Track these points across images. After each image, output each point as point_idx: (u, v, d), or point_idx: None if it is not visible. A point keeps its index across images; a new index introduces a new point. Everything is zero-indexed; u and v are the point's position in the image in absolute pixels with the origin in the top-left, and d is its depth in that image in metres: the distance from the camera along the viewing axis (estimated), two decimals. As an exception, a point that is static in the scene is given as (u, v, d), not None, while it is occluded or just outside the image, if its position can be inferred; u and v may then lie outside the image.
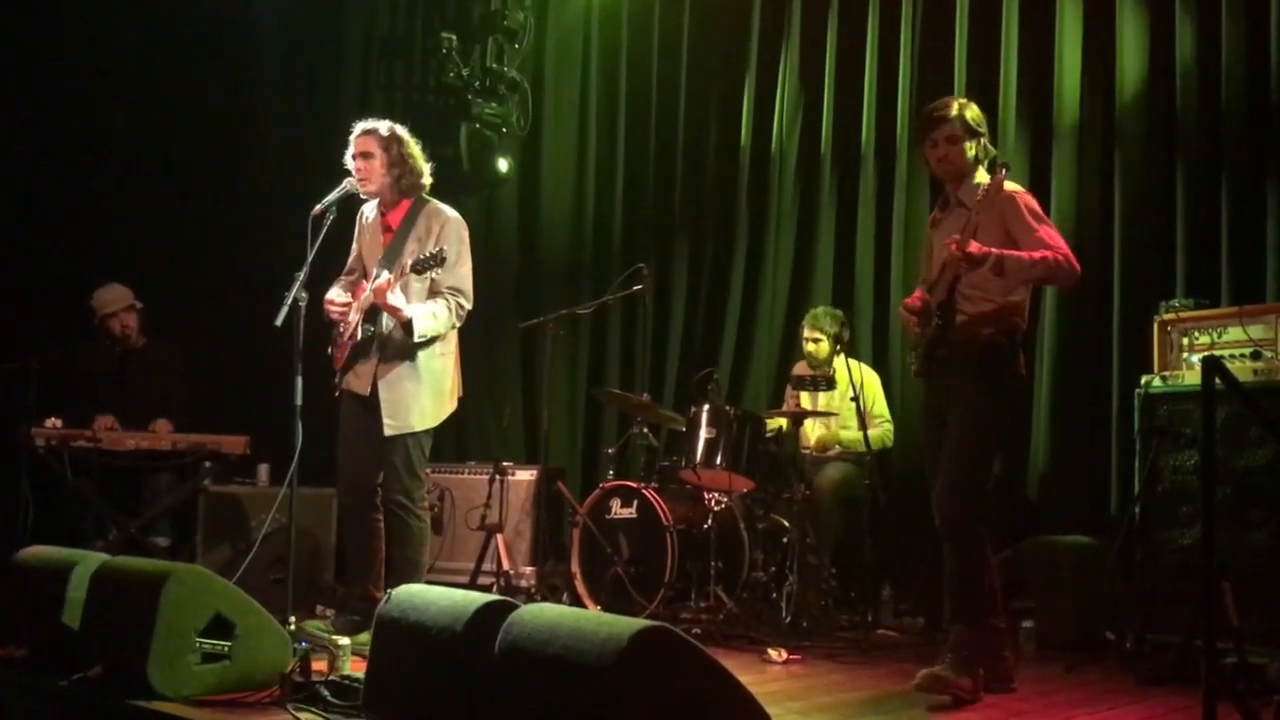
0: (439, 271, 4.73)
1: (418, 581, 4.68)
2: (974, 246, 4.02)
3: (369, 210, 5.09)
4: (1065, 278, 4.21)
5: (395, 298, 4.70)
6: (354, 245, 5.14)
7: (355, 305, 4.89)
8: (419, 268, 4.68)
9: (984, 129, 4.36)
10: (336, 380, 5.00)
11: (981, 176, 4.34)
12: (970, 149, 4.31)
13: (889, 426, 6.19)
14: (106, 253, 7.33)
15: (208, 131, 7.87)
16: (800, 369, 6.22)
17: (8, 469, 5.98)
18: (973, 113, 4.33)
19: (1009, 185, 4.26)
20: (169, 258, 7.56)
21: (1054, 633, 5.23)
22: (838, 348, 5.99)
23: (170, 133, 7.75)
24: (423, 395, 4.87)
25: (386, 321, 4.84)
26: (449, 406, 5.01)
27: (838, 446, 6.13)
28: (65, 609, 3.95)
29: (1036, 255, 4.09)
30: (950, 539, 4.17)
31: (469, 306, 4.95)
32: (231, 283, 7.60)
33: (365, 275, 5.00)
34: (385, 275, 4.73)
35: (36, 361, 6.02)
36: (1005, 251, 4.07)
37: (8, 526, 5.77)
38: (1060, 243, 4.17)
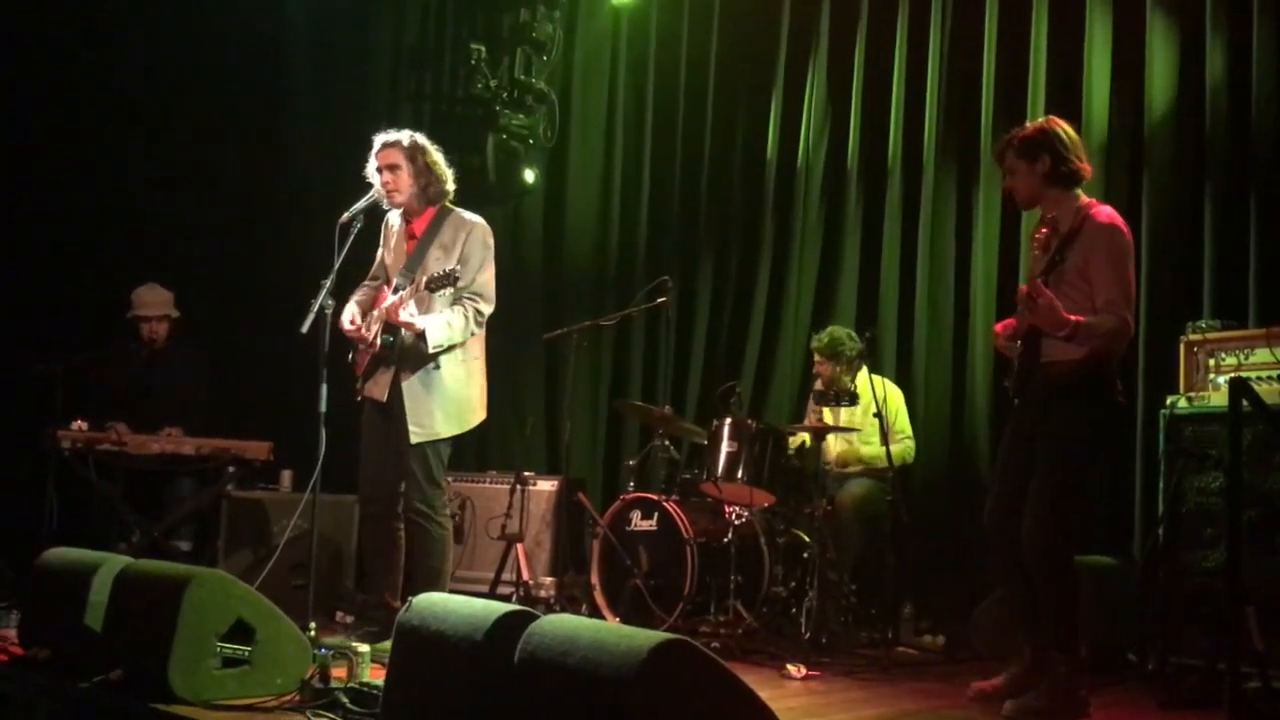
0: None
1: (441, 589, 4.71)
2: (1057, 313, 3.99)
3: (394, 218, 5.12)
4: (1120, 344, 4.17)
5: (405, 313, 4.73)
6: (380, 251, 5.17)
7: (374, 314, 4.91)
8: (432, 286, 4.70)
9: (1054, 146, 4.20)
10: (358, 385, 5.03)
11: (1073, 196, 4.25)
12: (1032, 173, 4.24)
13: (910, 443, 6.17)
14: (136, 258, 7.39)
15: (239, 140, 7.94)
16: (821, 384, 6.22)
17: (34, 471, 6.03)
18: (1033, 135, 4.24)
19: (1107, 213, 4.20)
20: (198, 264, 7.62)
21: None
22: (844, 366, 5.99)
23: (202, 141, 7.81)
24: (446, 402, 4.89)
25: (405, 330, 4.86)
26: (475, 415, 5.02)
27: (859, 463, 6.11)
28: (88, 612, 3.97)
29: (1108, 325, 4.05)
30: (1045, 570, 4.12)
31: (488, 311, 4.97)
32: (259, 289, 7.66)
33: (388, 282, 5.04)
34: (399, 294, 4.76)
35: (63, 365, 6.07)
36: (1081, 321, 4.03)
37: (33, 529, 5.81)
38: (1126, 301, 4.09)
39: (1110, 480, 5.77)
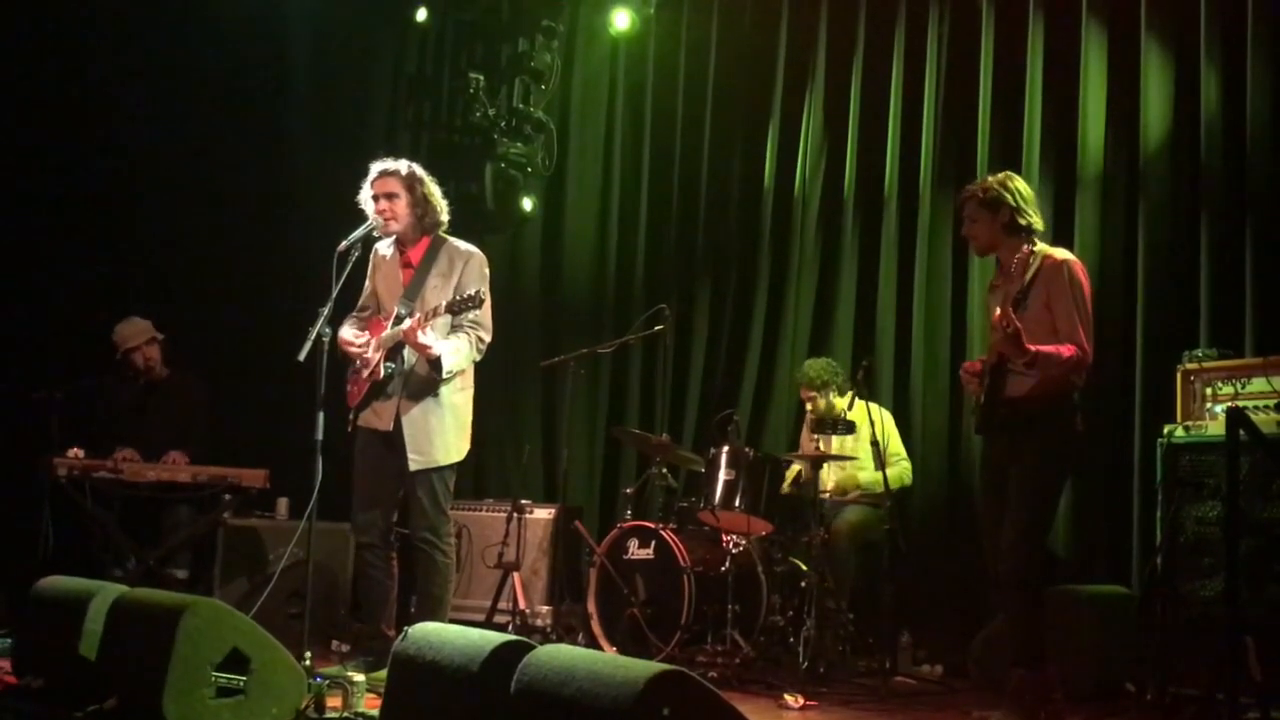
0: (477, 313, 4.76)
1: (441, 618, 4.70)
2: (1020, 342, 4.16)
3: (384, 247, 5.09)
4: (1078, 374, 4.35)
5: (426, 336, 4.72)
6: (368, 282, 5.14)
7: (375, 342, 4.90)
8: (456, 309, 4.69)
9: (1014, 200, 4.44)
10: (351, 416, 5.00)
11: (1033, 244, 4.46)
12: (993, 223, 4.46)
13: (906, 465, 6.17)
14: (133, 285, 7.40)
15: (237, 168, 7.94)
16: (815, 414, 6.22)
17: (29, 498, 6.01)
18: (995, 189, 4.47)
19: (1061, 254, 4.45)
20: (196, 291, 7.62)
21: (1074, 683, 5.16)
22: (835, 390, 6.01)
23: (200, 168, 7.83)
24: (447, 430, 4.88)
25: (409, 357, 4.85)
26: (468, 444, 5.02)
27: (857, 489, 6.11)
28: (82, 640, 3.95)
29: (1066, 353, 4.24)
30: (1011, 590, 4.30)
31: (488, 340, 4.97)
32: (257, 317, 7.65)
33: (379, 311, 5.02)
34: (416, 315, 4.74)
35: (60, 392, 6.07)
36: (1042, 349, 4.21)
37: (28, 556, 5.79)
38: (1084, 331, 4.30)
39: (1108, 510, 5.77)
